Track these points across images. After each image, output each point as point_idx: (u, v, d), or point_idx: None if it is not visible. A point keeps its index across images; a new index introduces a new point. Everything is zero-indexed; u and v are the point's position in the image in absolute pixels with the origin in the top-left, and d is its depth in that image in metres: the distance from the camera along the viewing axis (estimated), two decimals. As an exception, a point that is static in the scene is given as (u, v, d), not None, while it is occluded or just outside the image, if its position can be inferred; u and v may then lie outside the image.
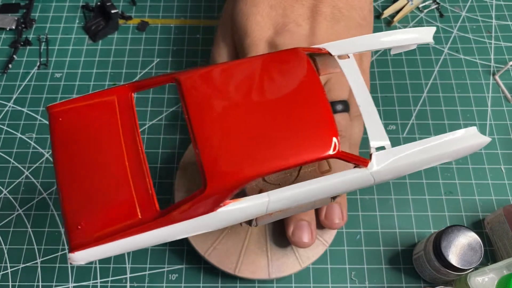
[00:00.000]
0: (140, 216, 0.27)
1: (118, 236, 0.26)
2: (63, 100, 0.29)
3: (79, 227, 0.27)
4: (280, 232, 0.42)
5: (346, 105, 0.41)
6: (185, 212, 0.27)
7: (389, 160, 0.29)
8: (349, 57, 0.32)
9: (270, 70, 0.30)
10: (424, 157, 0.30)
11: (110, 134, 0.29)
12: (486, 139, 0.31)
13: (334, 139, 0.28)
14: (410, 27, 0.57)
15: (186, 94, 0.29)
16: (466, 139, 0.31)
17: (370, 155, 0.29)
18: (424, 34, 0.35)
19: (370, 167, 0.29)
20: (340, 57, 0.32)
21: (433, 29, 0.35)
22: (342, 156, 0.28)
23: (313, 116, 0.29)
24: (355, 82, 0.31)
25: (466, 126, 0.51)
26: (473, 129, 0.31)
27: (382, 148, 0.29)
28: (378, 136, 0.29)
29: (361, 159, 0.29)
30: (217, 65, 0.30)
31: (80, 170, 0.28)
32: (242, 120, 0.28)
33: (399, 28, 0.58)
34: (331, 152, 0.28)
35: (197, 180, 0.42)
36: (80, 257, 0.26)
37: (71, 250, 0.26)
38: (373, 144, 0.29)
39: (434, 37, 0.57)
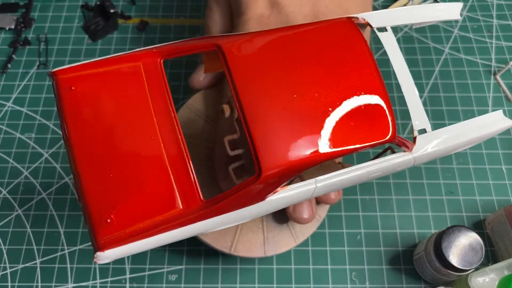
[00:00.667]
0: (181, 207, 0.23)
1: (158, 231, 0.23)
2: (74, 64, 0.24)
3: (108, 220, 0.22)
4: None
5: None
6: (234, 201, 0.24)
7: (430, 144, 0.29)
8: (387, 30, 0.31)
9: (322, 43, 0.28)
10: (459, 142, 0.30)
11: (138, 109, 0.24)
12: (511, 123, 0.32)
13: (390, 124, 0.28)
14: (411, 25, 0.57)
15: (232, 65, 0.25)
16: (495, 123, 0.32)
17: (414, 138, 0.29)
18: (453, 10, 0.34)
19: (415, 151, 0.29)
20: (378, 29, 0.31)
21: (460, 4, 0.34)
22: (397, 141, 0.28)
23: (369, 96, 0.27)
24: (395, 58, 0.30)
25: (466, 126, 0.51)
26: (500, 113, 0.32)
27: (423, 131, 0.29)
28: (420, 118, 0.29)
29: (408, 143, 0.29)
30: (265, 32, 0.27)
31: (104, 152, 0.23)
32: (295, 98, 0.25)
33: (400, 28, 0.58)
34: (389, 137, 0.27)
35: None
36: (110, 255, 0.22)
37: (100, 248, 0.22)
38: (416, 126, 0.29)
39: (434, 37, 0.57)
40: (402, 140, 0.29)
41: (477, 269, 0.39)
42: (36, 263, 0.45)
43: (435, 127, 0.50)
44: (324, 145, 0.25)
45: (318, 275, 0.44)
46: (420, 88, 0.53)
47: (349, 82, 0.27)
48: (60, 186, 0.48)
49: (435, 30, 0.57)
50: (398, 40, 0.56)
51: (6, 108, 0.53)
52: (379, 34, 0.30)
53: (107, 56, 0.24)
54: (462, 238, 0.39)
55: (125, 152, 0.23)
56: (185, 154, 0.24)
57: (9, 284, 0.44)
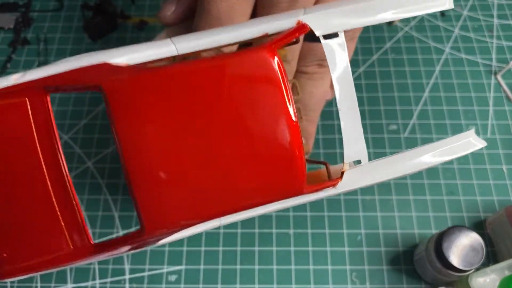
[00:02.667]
0: (71, 247, 0.24)
1: (49, 267, 0.25)
2: None
3: (4, 254, 0.24)
4: None
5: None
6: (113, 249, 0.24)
7: (362, 180, 0.26)
8: (338, 35, 0.25)
9: (228, 83, 0.23)
10: (398, 175, 0.27)
11: (25, 151, 0.23)
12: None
13: (298, 173, 0.24)
14: (411, 25, 0.57)
15: (116, 109, 0.23)
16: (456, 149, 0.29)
17: (342, 173, 0.26)
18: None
19: (339, 187, 0.26)
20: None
21: None
22: (310, 191, 0.25)
23: (278, 145, 0.24)
24: (338, 70, 0.25)
25: (467, 126, 0.51)
26: (471, 133, 0.29)
27: (358, 162, 0.26)
28: (356, 147, 0.25)
29: (330, 184, 0.26)
30: (156, 69, 0.23)
31: None
32: (190, 148, 0.23)
33: (400, 28, 0.58)
34: (296, 190, 0.24)
35: None
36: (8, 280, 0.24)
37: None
38: (348, 157, 0.25)
39: (435, 37, 0.57)
40: (320, 187, 0.25)
41: (477, 269, 0.39)
42: (35, 264, 0.45)
43: (436, 127, 0.51)
44: (218, 201, 0.24)
45: (318, 275, 0.44)
46: (420, 88, 0.53)
47: (253, 129, 0.24)
48: (60, 186, 0.48)
49: (435, 29, 0.57)
50: (398, 40, 0.56)
51: (5, 108, 0.53)
52: (324, 42, 0.24)
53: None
54: (463, 238, 0.39)
55: (12, 195, 0.23)
56: (72, 195, 0.24)
57: (9, 284, 0.44)
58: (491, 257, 0.44)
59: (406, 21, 0.58)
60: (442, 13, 0.58)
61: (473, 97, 0.53)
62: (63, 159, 0.24)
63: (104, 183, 0.48)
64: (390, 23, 0.58)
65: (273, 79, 0.23)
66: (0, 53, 0.56)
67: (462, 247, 0.39)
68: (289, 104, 0.24)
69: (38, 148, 0.23)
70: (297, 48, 0.33)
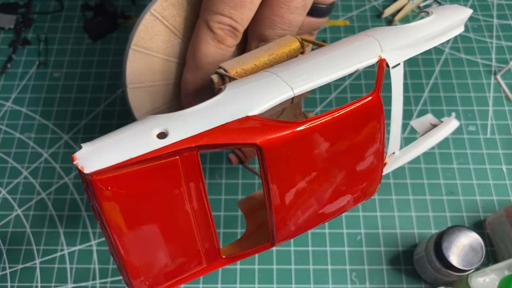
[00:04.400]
0: (205, 265, 0.29)
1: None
2: (106, 166, 0.23)
3: (147, 283, 0.27)
4: None
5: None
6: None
7: (394, 163, 0.34)
8: (399, 64, 0.31)
9: (351, 128, 0.29)
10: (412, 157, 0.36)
11: (174, 199, 0.26)
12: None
13: None
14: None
15: (269, 166, 0.26)
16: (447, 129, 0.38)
17: (384, 164, 0.33)
18: (451, 124, 0.37)
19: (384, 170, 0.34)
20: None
21: (455, 121, 0.38)
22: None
23: (371, 163, 0.31)
24: (397, 92, 0.32)
25: (467, 126, 0.51)
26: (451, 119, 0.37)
27: (393, 154, 0.34)
28: (393, 145, 0.34)
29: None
30: (299, 123, 0.27)
31: (148, 236, 0.26)
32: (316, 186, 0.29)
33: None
34: None
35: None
36: None
37: None
38: (389, 152, 0.33)
39: (435, 37, 0.56)
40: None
41: (477, 269, 0.39)
42: (35, 263, 0.45)
43: (435, 127, 0.51)
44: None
45: (318, 275, 0.44)
46: (420, 88, 0.53)
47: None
48: (60, 186, 0.48)
49: (435, 30, 0.57)
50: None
51: (5, 108, 0.53)
52: (392, 71, 0.31)
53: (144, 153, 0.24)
54: (463, 238, 0.39)
55: (163, 232, 0.26)
56: (211, 225, 0.28)
57: (9, 284, 0.44)
58: (491, 257, 0.44)
59: (406, 20, 0.58)
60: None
61: (472, 97, 0.53)
62: (207, 196, 0.27)
63: (104, 183, 0.48)
64: (389, 23, 0.58)
65: (380, 116, 0.29)
66: (1, 53, 0.57)
67: (462, 247, 0.39)
68: (383, 133, 0.30)
69: (185, 196, 0.26)
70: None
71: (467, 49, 0.56)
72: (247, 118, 0.25)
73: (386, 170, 0.34)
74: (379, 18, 0.58)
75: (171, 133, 0.24)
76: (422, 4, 0.59)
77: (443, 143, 0.50)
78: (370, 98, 0.28)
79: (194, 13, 0.37)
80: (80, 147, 0.24)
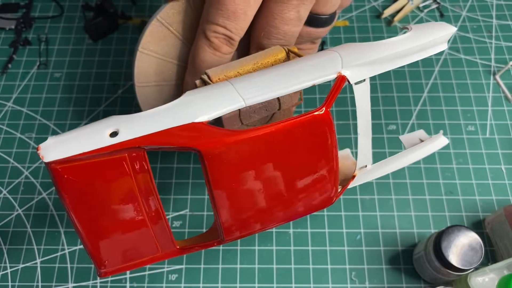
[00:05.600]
0: (160, 252, 0.32)
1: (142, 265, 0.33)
2: (63, 157, 0.27)
3: (106, 262, 0.31)
4: None
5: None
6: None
7: (365, 177, 0.35)
8: (364, 80, 0.32)
9: (298, 137, 0.30)
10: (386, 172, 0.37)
11: (125, 188, 0.29)
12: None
13: None
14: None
15: (210, 170, 0.29)
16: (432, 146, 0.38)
17: (353, 176, 0.34)
18: (439, 141, 0.38)
19: (350, 185, 0.35)
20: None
21: (449, 27, 0.35)
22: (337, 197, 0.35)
23: (321, 173, 0.32)
24: (362, 107, 0.32)
25: (466, 126, 0.51)
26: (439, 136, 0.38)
27: (364, 167, 0.35)
28: (364, 159, 0.34)
29: (344, 188, 0.35)
30: (240, 133, 0.29)
31: (103, 221, 0.30)
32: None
33: (400, 28, 0.58)
34: None
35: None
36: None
37: (101, 275, 0.32)
38: (359, 165, 0.34)
39: (435, 37, 0.57)
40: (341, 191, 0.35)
41: (476, 269, 0.39)
42: (36, 263, 0.45)
43: (434, 126, 0.51)
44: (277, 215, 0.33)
45: (318, 275, 0.44)
46: (420, 88, 0.53)
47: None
48: (61, 186, 0.48)
49: (435, 30, 0.57)
50: (398, 40, 0.56)
51: (6, 108, 0.53)
52: (355, 88, 0.31)
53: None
54: (462, 238, 0.39)
55: (118, 219, 0.30)
56: (162, 214, 0.31)
57: (10, 284, 0.44)
58: (490, 256, 0.44)
59: (406, 21, 0.58)
60: (441, 14, 0.58)
61: (472, 97, 0.53)
62: (156, 191, 0.30)
63: (105, 183, 0.49)
64: (389, 24, 0.58)
65: (328, 131, 0.30)
66: (1, 53, 0.57)
67: (461, 247, 0.39)
68: (334, 147, 0.31)
69: (135, 184, 0.29)
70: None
71: (467, 49, 0.56)
72: (193, 124, 0.28)
73: (356, 183, 0.35)
74: (379, 19, 0.58)
75: (121, 133, 0.27)
76: (421, 5, 0.59)
77: (443, 143, 0.50)
78: (319, 112, 0.30)
79: (197, 20, 0.38)
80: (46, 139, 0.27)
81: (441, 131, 0.40)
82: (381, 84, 0.53)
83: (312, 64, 0.30)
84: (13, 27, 0.58)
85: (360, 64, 0.31)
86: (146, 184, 0.29)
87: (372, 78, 0.54)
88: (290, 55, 0.36)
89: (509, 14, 0.58)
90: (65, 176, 0.27)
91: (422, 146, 0.37)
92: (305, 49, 0.42)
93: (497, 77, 0.54)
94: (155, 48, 0.39)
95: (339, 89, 0.30)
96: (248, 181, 0.30)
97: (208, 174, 0.29)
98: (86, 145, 0.27)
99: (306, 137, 0.30)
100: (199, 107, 0.28)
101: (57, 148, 0.27)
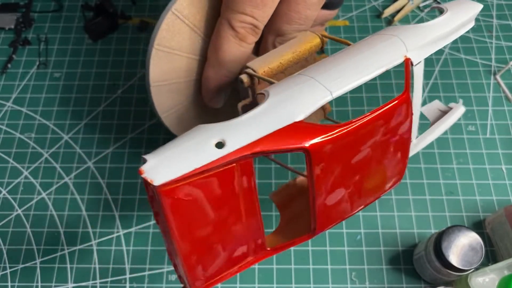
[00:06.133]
0: (252, 257, 0.31)
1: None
2: (174, 178, 0.25)
3: (202, 278, 0.29)
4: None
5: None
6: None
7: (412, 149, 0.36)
8: (420, 62, 0.32)
9: (385, 125, 0.31)
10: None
11: (230, 201, 0.28)
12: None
13: None
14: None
15: (314, 166, 0.28)
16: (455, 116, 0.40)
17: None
18: (458, 110, 0.39)
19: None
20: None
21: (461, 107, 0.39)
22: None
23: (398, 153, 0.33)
24: (418, 86, 0.34)
25: (466, 126, 0.51)
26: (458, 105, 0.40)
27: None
28: (414, 134, 0.35)
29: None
30: (342, 126, 0.29)
31: (204, 237, 0.28)
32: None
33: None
34: None
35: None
36: None
37: None
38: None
39: (435, 37, 0.57)
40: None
41: (477, 269, 0.39)
42: (36, 263, 0.45)
43: (435, 127, 0.51)
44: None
45: (318, 275, 0.44)
46: (420, 88, 0.53)
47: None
48: (60, 186, 0.48)
49: (435, 30, 0.57)
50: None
51: (6, 108, 0.53)
52: (414, 68, 0.32)
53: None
54: (462, 238, 0.39)
55: (219, 237, 0.28)
56: (261, 224, 0.30)
57: (9, 284, 0.44)
58: (490, 256, 0.44)
59: (406, 20, 0.58)
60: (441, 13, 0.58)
61: (472, 97, 0.53)
62: (257, 195, 0.29)
63: (105, 183, 0.48)
64: (389, 23, 0.58)
65: (409, 114, 0.32)
66: (1, 53, 0.57)
67: (461, 247, 0.39)
68: (411, 128, 0.33)
69: (241, 194, 0.28)
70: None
71: (467, 49, 0.56)
72: (295, 124, 0.27)
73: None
74: (379, 19, 0.58)
75: (228, 143, 0.26)
76: (422, 5, 0.59)
77: (443, 143, 0.50)
78: (401, 97, 0.31)
79: (213, 10, 0.37)
80: (144, 160, 0.25)
81: (461, 100, 0.43)
82: (381, 84, 0.53)
83: (378, 49, 0.31)
84: (12, 26, 0.58)
85: (419, 47, 0.31)
86: (249, 189, 0.28)
87: (372, 79, 0.53)
88: (324, 40, 0.36)
89: (509, 14, 0.58)
90: (175, 197, 0.25)
91: (447, 118, 0.39)
92: (315, 32, 0.42)
93: (498, 77, 0.54)
94: (171, 43, 0.37)
95: (409, 72, 0.31)
96: (347, 171, 0.30)
97: (312, 171, 0.28)
98: (195, 161, 0.25)
99: (393, 122, 0.31)
100: (293, 106, 0.28)
101: (163, 168, 0.25)
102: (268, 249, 0.31)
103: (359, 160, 0.30)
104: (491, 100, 0.52)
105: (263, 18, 0.34)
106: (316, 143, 0.27)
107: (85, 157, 0.50)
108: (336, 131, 0.28)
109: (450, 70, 0.54)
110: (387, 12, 0.58)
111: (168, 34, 0.37)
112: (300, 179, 0.36)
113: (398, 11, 0.58)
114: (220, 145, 0.26)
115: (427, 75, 0.54)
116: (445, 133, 0.50)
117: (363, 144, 0.30)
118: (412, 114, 0.32)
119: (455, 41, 0.56)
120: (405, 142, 0.33)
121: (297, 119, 0.27)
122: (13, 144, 0.51)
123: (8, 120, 0.52)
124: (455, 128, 0.51)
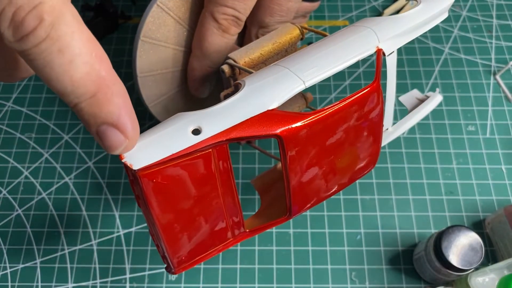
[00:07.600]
0: (231, 238, 0.33)
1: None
2: (152, 163, 0.26)
3: (182, 257, 0.31)
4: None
5: None
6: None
7: (387, 137, 0.38)
8: (393, 52, 0.33)
9: (355, 113, 0.32)
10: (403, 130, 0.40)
11: (208, 183, 0.29)
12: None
13: None
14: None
15: (288, 153, 0.30)
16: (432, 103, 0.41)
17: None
18: (435, 99, 0.40)
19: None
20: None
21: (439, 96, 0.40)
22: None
23: (371, 141, 0.34)
24: (391, 76, 0.35)
25: (466, 126, 0.51)
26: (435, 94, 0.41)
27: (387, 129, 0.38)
28: (387, 122, 0.37)
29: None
30: (313, 114, 0.30)
31: (183, 217, 0.30)
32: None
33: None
34: None
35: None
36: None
37: (175, 271, 0.31)
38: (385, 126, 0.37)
39: (434, 37, 0.57)
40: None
41: (477, 269, 0.39)
42: (36, 263, 0.45)
43: (435, 127, 0.51)
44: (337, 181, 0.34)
45: (318, 275, 0.44)
46: (420, 88, 0.53)
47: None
48: (60, 186, 0.48)
49: (435, 30, 0.57)
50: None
51: (6, 108, 0.53)
52: (387, 59, 0.33)
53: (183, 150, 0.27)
54: (462, 238, 0.39)
55: (198, 213, 0.30)
56: (238, 203, 0.31)
57: (9, 284, 0.44)
58: (490, 256, 0.44)
59: (406, 21, 0.58)
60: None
61: (472, 97, 0.53)
62: (233, 178, 0.30)
63: (105, 182, 0.49)
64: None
65: (380, 100, 0.33)
66: (1, 53, 0.57)
67: (461, 247, 0.39)
68: (382, 116, 0.34)
69: (218, 181, 0.29)
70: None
71: (467, 49, 0.56)
72: (268, 112, 0.28)
73: (381, 144, 0.37)
74: (379, 18, 0.58)
75: (204, 130, 0.27)
76: (421, 4, 0.59)
77: (443, 143, 0.50)
78: (372, 85, 0.32)
79: (197, 3, 0.38)
80: None
81: (437, 89, 0.44)
82: (381, 84, 0.53)
83: (351, 41, 0.32)
84: (12, 27, 0.58)
85: (391, 38, 0.33)
86: (226, 175, 0.30)
87: (372, 78, 0.53)
88: (303, 31, 0.37)
89: (509, 14, 0.58)
90: (154, 180, 0.27)
91: (423, 106, 0.40)
92: (297, 24, 0.43)
93: (497, 77, 0.54)
94: (157, 35, 0.39)
95: (381, 62, 0.32)
96: (319, 157, 0.31)
97: (286, 157, 0.30)
98: (172, 147, 0.26)
99: (364, 109, 0.32)
100: (266, 95, 0.29)
101: (143, 153, 0.26)
102: (247, 230, 0.33)
103: (332, 143, 0.31)
104: (491, 100, 0.52)
105: (245, 10, 0.36)
106: (287, 129, 0.29)
107: (85, 157, 0.50)
108: (308, 118, 0.29)
109: (450, 70, 0.54)
110: (387, 12, 0.58)
111: (154, 26, 0.38)
112: (280, 165, 0.38)
113: (398, 11, 0.58)
114: (196, 131, 0.27)
115: (427, 75, 0.54)
116: (445, 133, 0.50)
117: (336, 129, 0.31)
118: (382, 101, 0.33)
119: (455, 41, 0.56)
120: (377, 127, 0.34)
121: (271, 107, 0.28)
122: (13, 144, 0.51)
123: (8, 120, 0.52)
124: (455, 128, 0.51)
